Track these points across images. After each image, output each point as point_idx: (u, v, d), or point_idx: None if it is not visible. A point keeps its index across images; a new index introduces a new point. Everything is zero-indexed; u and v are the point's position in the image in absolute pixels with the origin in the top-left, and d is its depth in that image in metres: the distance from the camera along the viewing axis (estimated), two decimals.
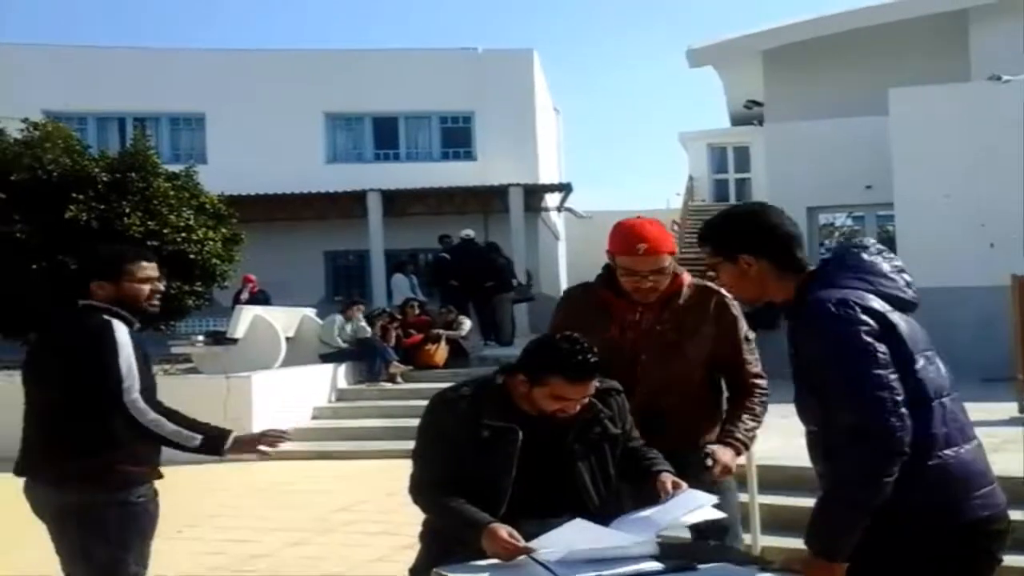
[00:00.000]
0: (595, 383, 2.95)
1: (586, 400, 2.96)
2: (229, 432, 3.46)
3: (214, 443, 3.37)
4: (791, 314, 2.56)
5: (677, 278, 3.46)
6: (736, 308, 3.49)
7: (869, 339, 2.34)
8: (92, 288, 3.38)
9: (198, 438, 3.33)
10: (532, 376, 2.93)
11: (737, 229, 2.66)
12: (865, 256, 2.54)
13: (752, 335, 3.57)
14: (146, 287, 3.43)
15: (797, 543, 5.14)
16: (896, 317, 2.43)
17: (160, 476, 3.44)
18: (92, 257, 3.50)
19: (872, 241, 2.63)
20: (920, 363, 2.42)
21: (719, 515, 2.90)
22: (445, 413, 3.00)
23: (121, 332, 3.27)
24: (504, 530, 2.67)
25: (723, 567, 2.66)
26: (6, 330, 14.31)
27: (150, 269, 3.45)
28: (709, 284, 3.51)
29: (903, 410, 2.30)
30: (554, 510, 2.81)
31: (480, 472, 2.87)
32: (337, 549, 6.64)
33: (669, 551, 2.71)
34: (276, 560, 6.30)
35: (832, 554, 2.37)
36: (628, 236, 3.38)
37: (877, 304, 2.42)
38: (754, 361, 3.54)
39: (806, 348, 2.48)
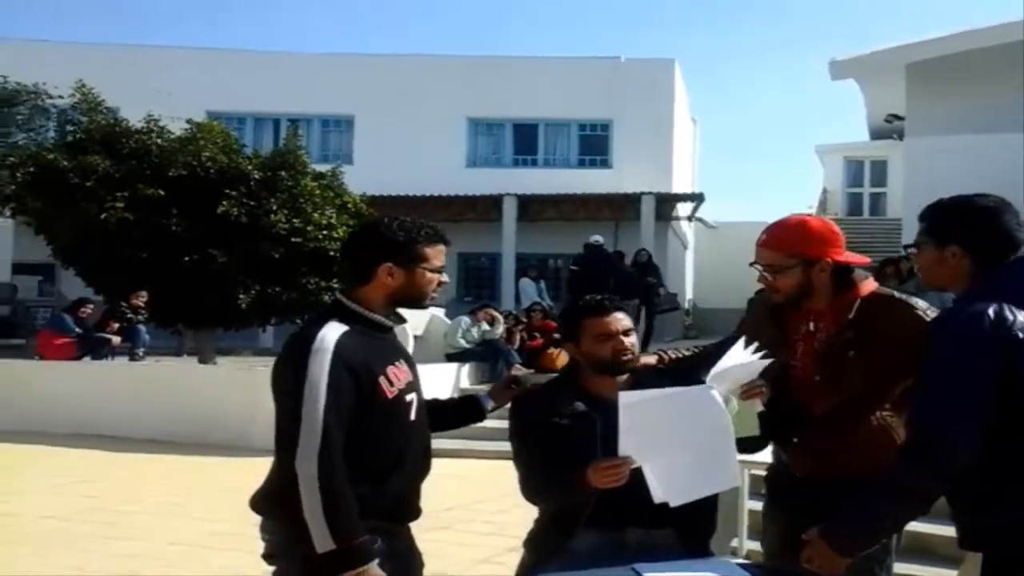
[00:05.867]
0: (626, 317, 3.11)
1: (633, 338, 3.09)
2: (475, 396, 3.22)
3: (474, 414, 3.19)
4: None
5: (853, 289, 3.03)
6: (930, 315, 2.98)
7: (979, 356, 2.30)
8: (380, 274, 2.72)
9: None
10: (571, 335, 3.15)
11: (961, 221, 2.56)
12: None
13: None
14: (435, 278, 2.81)
15: (931, 571, 5.18)
16: None
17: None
18: (380, 234, 2.75)
19: None
20: None
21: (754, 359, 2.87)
22: (523, 410, 3.16)
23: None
24: (599, 462, 2.80)
25: None
26: (158, 319, 15.22)
27: (442, 256, 2.82)
28: (895, 294, 3.09)
29: (973, 433, 2.28)
30: (635, 487, 2.78)
31: (566, 459, 2.95)
32: (445, 547, 6.67)
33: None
34: None
35: (842, 549, 2.50)
36: (768, 226, 3.12)
37: (1019, 318, 2.34)
38: None
39: (925, 346, 2.46)
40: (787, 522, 3.17)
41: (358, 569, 2.51)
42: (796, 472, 3.18)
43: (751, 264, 3.10)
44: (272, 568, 2.73)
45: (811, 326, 3.07)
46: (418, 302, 2.79)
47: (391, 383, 2.68)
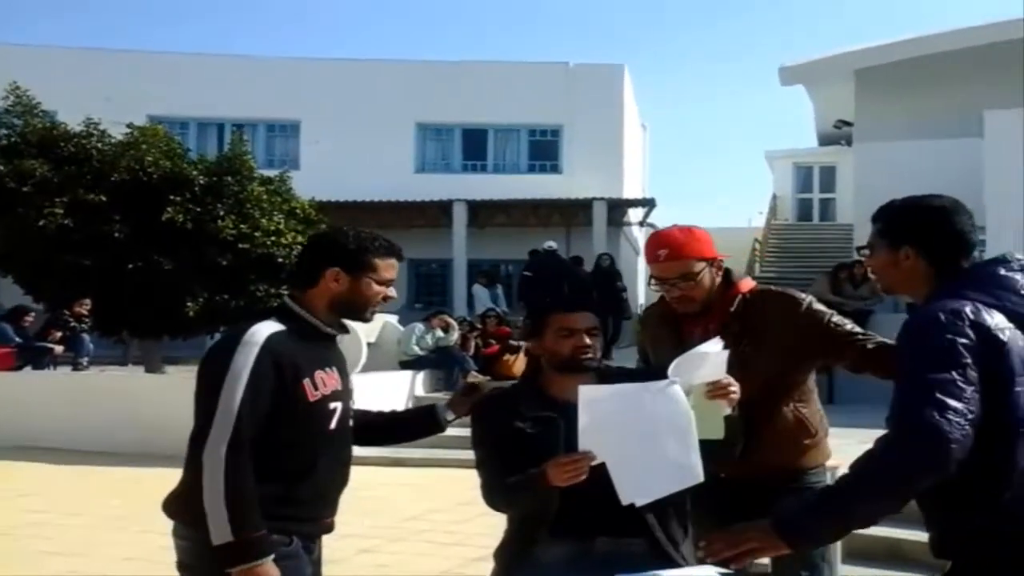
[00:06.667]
0: (594, 318, 3.04)
1: (596, 338, 3.01)
2: (433, 407, 3.17)
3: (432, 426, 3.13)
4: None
5: (733, 286, 3.26)
6: (808, 300, 3.24)
7: (963, 351, 2.23)
8: (326, 277, 2.73)
9: None
10: (537, 330, 3.08)
11: (915, 221, 2.53)
12: (1002, 271, 2.43)
13: (839, 316, 3.27)
14: (381, 291, 2.82)
15: (878, 573, 5.12)
16: (1013, 335, 2.30)
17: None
18: (333, 240, 2.80)
19: (1018, 257, 2.47)
20: (1020, 387, 2.27)
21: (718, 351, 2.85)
22: (485, 416, 3.08)
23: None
24: (558, 458, 2.72)
25: None
26: (102, 327, 14.84)
27: (393, 271, 2.83)
28: (772, 288, 3.35)
29: (965, 426, 2.17)
30: (605, 495, 2.73)
31: (528, 463, 2.87)
32: (408, 558, 6.66)
33: None
34: (346, 566, 6.19)
35: (798, 538, 2.27)
36: (651, 244, 3.27)
37: (993, 319, 2.30)
38: (853, 328, 3.24)
39: (900, 348, 2.38)
40: (713, 523, 3.18)
41: (252, 564, 2.47)
42: (720, 472, 3.20)
43: (651, 283, 3.28)
44: None
45: (702, 329, 3.17)
46: (360, 312, 2.79)
47: (316, 387, 2.67)
